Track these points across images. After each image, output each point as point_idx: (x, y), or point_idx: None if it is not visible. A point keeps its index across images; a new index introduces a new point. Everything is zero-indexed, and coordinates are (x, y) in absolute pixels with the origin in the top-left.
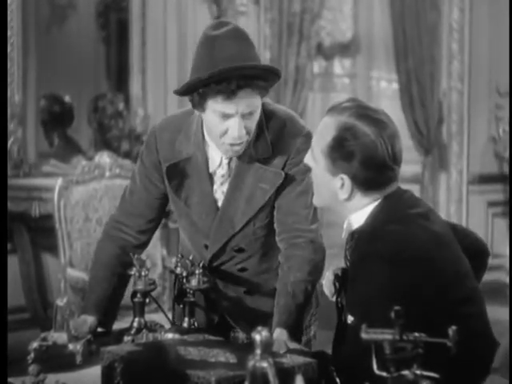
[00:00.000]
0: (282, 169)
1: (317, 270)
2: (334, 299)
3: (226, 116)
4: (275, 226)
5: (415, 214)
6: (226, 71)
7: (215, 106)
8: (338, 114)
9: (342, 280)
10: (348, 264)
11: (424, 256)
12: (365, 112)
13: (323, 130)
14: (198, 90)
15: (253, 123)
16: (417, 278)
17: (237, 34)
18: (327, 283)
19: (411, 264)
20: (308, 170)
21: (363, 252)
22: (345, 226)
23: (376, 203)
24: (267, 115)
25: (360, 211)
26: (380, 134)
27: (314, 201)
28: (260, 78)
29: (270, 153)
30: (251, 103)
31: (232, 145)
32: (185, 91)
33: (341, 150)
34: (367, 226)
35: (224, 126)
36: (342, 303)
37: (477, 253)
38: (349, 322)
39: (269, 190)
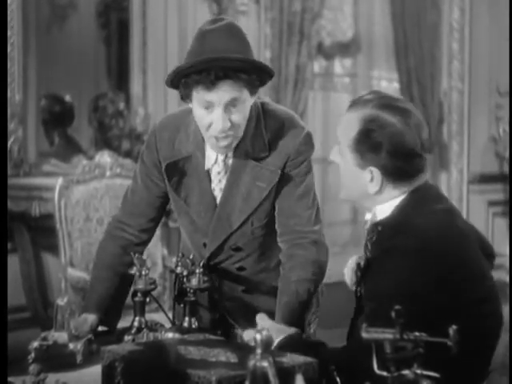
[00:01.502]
0: (283, 169)
1: (320, 271)
2: (353, 288)
3: (208, 107)
4: (276, 227)
5: (441, 209)
6: (203, 61)
7: (198, 97)
8: (360, 107)
9: (364, 270)
10: (368, 254)
11: (449, 252)
12: (388, 102)
13: (347, 125)
14: (181, 80)
15: (239, 117)
16: (439, 275)
17: (228, 28)
18: (348, 272)
19: (435, 259)
20: (309, 171)
21: (387, 245)
22: (368, 216)
23: (404, 196)
24: (266, 114)
25: (387, 203)
26: (406, 122)
27: (342, 195)
28: (242, 71)
29: (266, 152)
30: (233, 94)
31: (217, 138)
32: (170, 81)
33: (368, 142)
34: (392, 219)
35: (208, 118)
36: (361, 292)
37: (486, 254)
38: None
39: (265, 188)
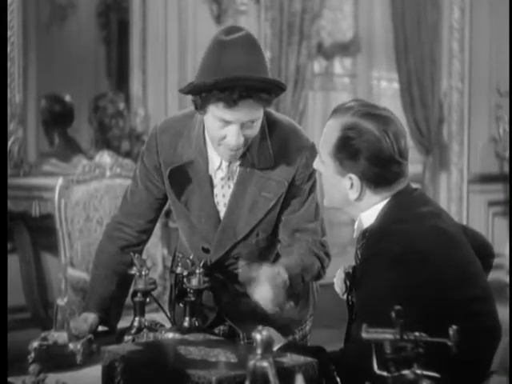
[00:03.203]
0: (291, 183)
1: (323, 266)
2: (344, 297)
3: (225, 122)
4: (280, 237)
5: (426, 212)
6: (230, 80)
7: (216, 112)
8: (340, 115)
9: (353, 278)
10: (357, 262)
11: (434, 255)
12: (367, 110)
13: (328, 132)
14: (201, 94)
15: (253, 132)
16: (426, 277)
17: (247, 41)
18: (338, 281)
19: (419, 262)
20: (314, 184)
21: (373, 250)
22: (356, 225)
23: (386, 201)
24: (270, 126)
25: (370, 210)
26: (384, 129)
27: (325, 202)
28: (264, 90)
29: (272, 164)
30: (252, 113)
31: (230, 150)
32: (189, 92)
33: (346, 150)
34: (377, 225)
35: (223, 132)
36: (352, 301)
37: (483, 254)
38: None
39: (271, 199)
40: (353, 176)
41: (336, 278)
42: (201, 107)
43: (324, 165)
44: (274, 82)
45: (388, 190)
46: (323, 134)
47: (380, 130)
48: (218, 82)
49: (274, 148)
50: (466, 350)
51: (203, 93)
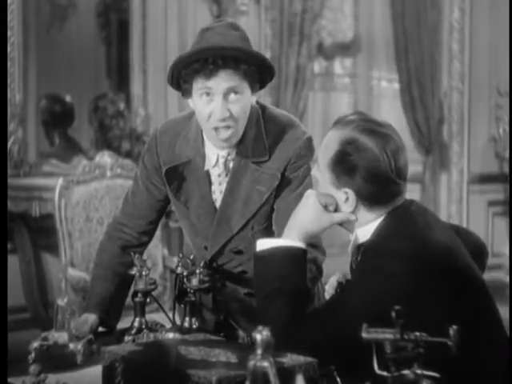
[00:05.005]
0: (283, 173)
1: (317, 269)
2: None
3: (209, 97)
4: (273, 228)
5: (421, 227)
6: (201, 50)
7: (197, 86)
8: (342, 127)
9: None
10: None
11: (425, 271)
12: (368, 126)
13: (328, 143)
14: (181, 73)
15: (238, 108)
16: (412, 293)
17: (229, 25)
18: (330, 289)
19: (408, 282)
20: (307, 173)
21: (366, 266)
22: (351, 238)
23: (381, 219)
24: (266, 119)
25: (365, 226)
26: (383, 147)
27: None
28: (241, 61)
29: (266, 156)
30: (232, 83)
31: (217, 129)
32: (171, 76)
33: (343, 165)
34: (372, 243)
35: (208, 108)
36: None
37: (477, 254)
38: None
39: (265, 192)
40: (349, 191)
41: (328, 285)
42: (185, 89)
43: (321, 174)
44: (250, 52)
45: (384, 208)
46: (323, 144)
47: (379, 147)
48: (191, 54)
49: (270, 141)
50: (471, 354)
51: (182, 70)
